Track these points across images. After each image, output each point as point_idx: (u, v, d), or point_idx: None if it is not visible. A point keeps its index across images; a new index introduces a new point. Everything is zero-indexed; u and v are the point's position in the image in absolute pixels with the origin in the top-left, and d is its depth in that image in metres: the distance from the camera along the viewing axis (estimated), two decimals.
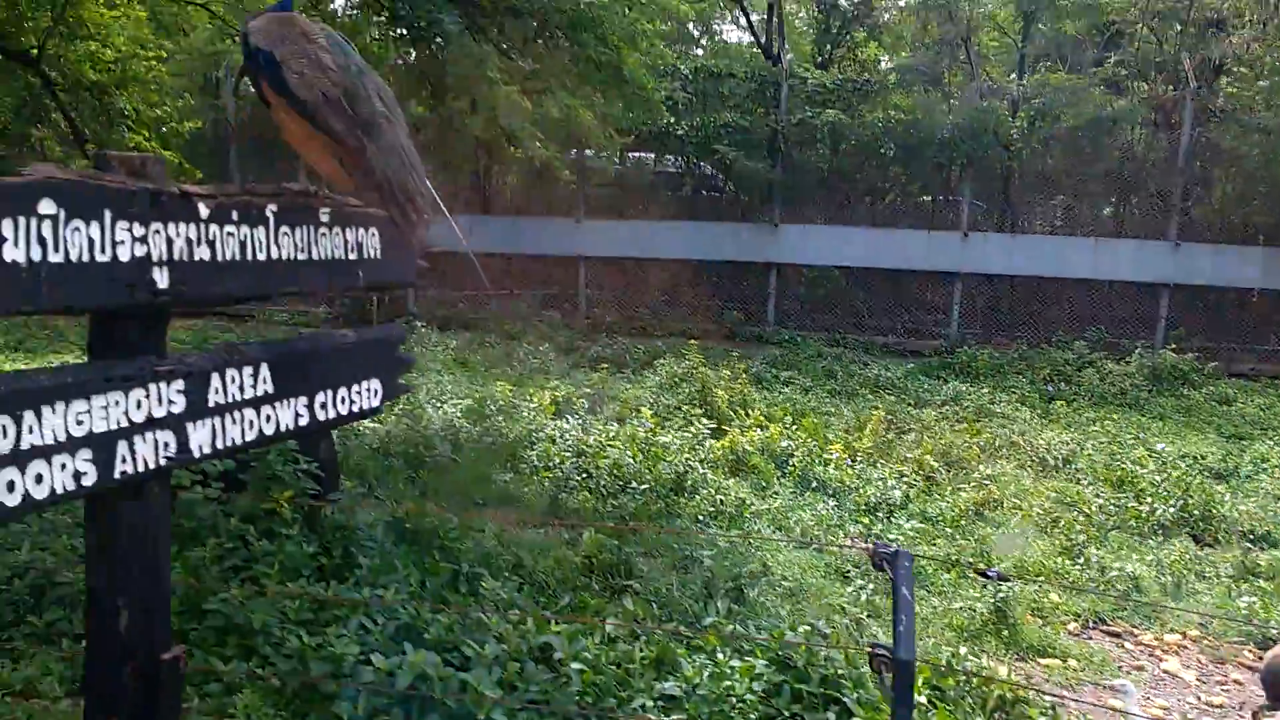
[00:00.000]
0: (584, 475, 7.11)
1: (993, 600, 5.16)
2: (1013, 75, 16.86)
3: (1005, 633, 5.05)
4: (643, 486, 6.83)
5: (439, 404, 9.00)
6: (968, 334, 15.34)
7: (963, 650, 4.59)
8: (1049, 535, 6.72)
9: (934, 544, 6.47)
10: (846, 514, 6.84)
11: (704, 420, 9.05)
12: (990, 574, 6.15)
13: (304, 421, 3.07)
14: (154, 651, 2.77)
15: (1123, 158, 15.08)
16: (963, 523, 6.85)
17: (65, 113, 7.93)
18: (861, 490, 7.21)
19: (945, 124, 14.23)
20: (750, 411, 9.53)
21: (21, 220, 2.24)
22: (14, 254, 2.23)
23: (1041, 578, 5.82)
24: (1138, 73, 15.82)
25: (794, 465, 7.68)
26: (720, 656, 3.88)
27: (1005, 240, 15.09)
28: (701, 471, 7.42)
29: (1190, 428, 10.96)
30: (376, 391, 3.36)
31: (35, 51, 7.57)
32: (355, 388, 3.26)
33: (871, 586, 5.47)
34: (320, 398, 3.12)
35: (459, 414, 8.60)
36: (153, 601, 2.77)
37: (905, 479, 7.45)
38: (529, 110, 5.64)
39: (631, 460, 7.47)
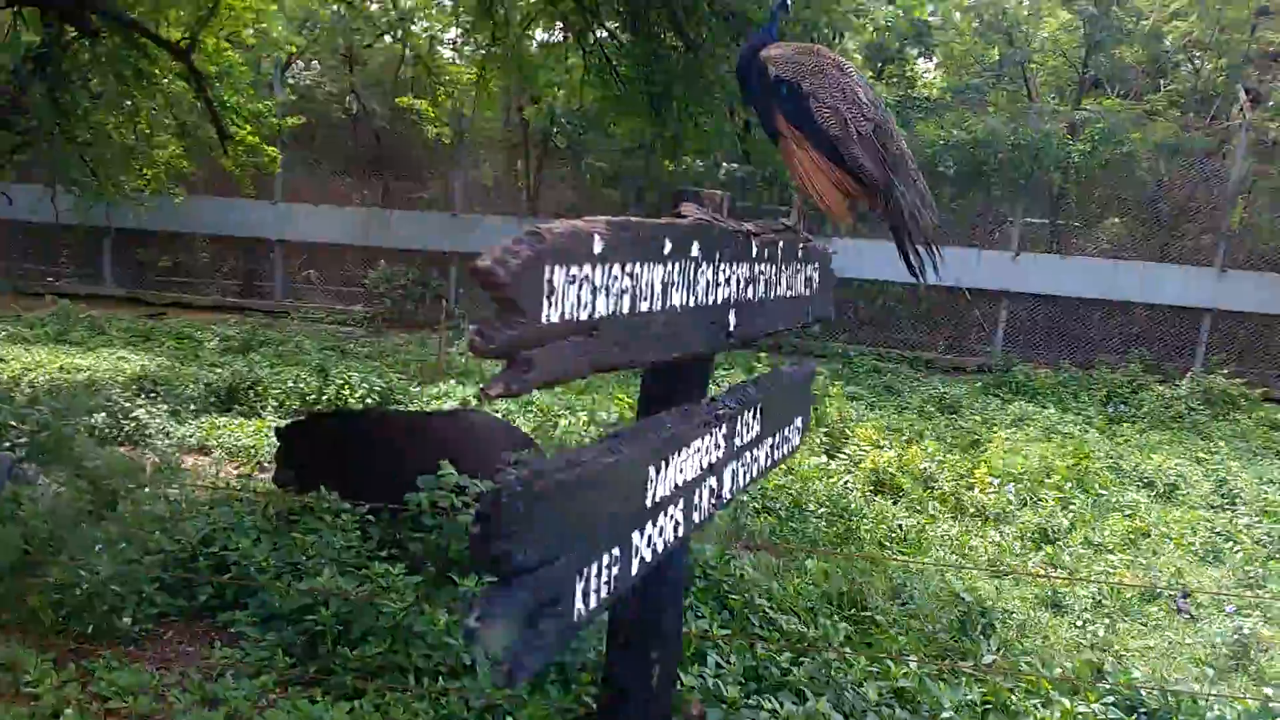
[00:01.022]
0: (750, 497, 7.03)
1: (1233, 634, 5.21)
2: (1053, 98, 17.14)
3: (1252, 668, 5.09)
4: (820, 509, 6.78)
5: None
6: (1010, 352, 15.56)
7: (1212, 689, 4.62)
8: (1212, 564, 6.82)
9: (1114, 572, 6.52)
10: (1019, 542, 6.85)
11: (825, 437, 9.06)
12: (1182, 604, 6.24)
13: (767, 463, 2.97)
14: (671, 704, 2.66)
15: (1174, 185, 15.41)
16: (1127, 552, 6.92)
17: (210, 106, 7.59)
18: (1020, 516, 7.24)
19: (1006, 145, 14.41)
20: (853, 430, 9.50)
21: (679, 263, 2.13)
22: (677, 297, 2.13)
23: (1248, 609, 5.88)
24: (1191, 102, 16.20)
25: (942, 489, 7.69)
26: (1067, 703, 3.83)
27: (1056, 261, 15.34)
28: (856, 494, 7.42)
29: (1252, 452, 11.20)
30: (798, 429, 3.27)
31: (185, 43, 7.22)
32: (792, 425, 3.17)
33: (1108, 620, 5.49)
34: (777, 437, 3.02)
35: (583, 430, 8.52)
36: (673, 653, 2.66)
37: (1066, 506, 7.51)
38: None
39: (785, 480, 7.44)
